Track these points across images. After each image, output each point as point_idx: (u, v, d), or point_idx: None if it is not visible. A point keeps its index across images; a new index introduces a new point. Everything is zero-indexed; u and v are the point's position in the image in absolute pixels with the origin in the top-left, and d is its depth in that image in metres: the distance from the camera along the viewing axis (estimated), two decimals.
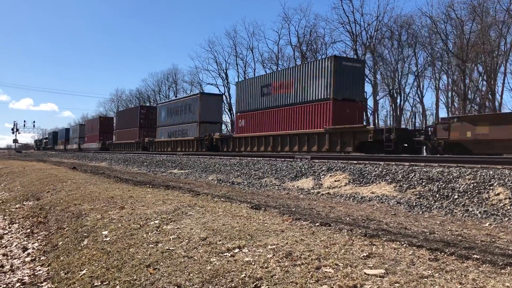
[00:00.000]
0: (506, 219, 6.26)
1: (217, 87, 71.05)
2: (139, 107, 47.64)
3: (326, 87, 21.04)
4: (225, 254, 3.95)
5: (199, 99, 33.31)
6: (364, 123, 28.31)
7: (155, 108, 46.90)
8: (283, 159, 14.72)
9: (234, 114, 36.41)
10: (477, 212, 6.73)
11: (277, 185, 11.39)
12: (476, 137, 14.98)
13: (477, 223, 6.21)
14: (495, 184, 7.36)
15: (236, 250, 4.02)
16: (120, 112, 58.83)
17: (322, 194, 9.64)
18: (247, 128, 27.51)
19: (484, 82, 42.86)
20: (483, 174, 7.85)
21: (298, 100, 22.92)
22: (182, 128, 35.70)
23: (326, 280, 3.17)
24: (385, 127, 19.43)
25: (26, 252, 6.21)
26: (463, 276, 3.19)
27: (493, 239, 4.92)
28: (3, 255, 6.19)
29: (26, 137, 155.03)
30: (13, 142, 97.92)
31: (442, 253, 3.90)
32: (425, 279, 3.10)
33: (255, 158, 16.24)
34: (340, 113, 20.71)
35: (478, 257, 3.80)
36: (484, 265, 3.52)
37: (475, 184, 7.62)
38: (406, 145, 18.06)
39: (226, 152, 27.34)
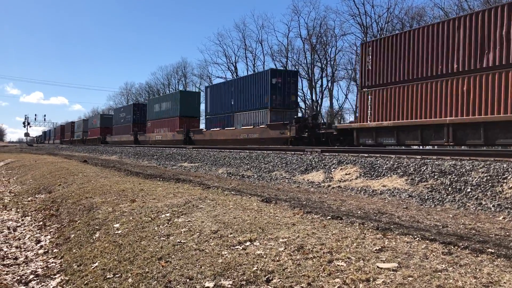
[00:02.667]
0: None
1: (226, 80, 71.07)
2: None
3: None
4: (237, 247, 3.94)
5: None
6: None
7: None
8: (293, 152, 14.68)
9: None
10: (491, 205, 6.66)
11: (287, 178, 11.37)
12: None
13: (490, 216, 6.14)
14: (509, 177, 7.27)
15: (248, 243, 4.01)
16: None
17: (333, 187, 9.61)
18: None
19: None
20: (497, 167, 7.75)
21: None
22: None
23: (338, 273, 3.15)
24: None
25: (39, 245, 6.28)
26: (477, 270, 3.15)
27: (507, 233, 4.85)
28: (17, 247, 6.26)
29: (37, 131, 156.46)
30: (25, 136, 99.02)
31: (456, 247, 3.86)
32: (439, 273, 3.06)
33: (265, 151, 16.22)
34: None
35: (493, 251, 3.75)
36: (498, 259, 3.47)
37: (488, 177, 7.53)
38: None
39: None
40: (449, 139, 14.38)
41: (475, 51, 13.86)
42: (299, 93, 49.14)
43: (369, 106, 17.72)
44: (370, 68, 17.89)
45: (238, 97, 28.14)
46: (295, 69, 33.62)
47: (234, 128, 28.32)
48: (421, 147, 17.59)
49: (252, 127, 26.24)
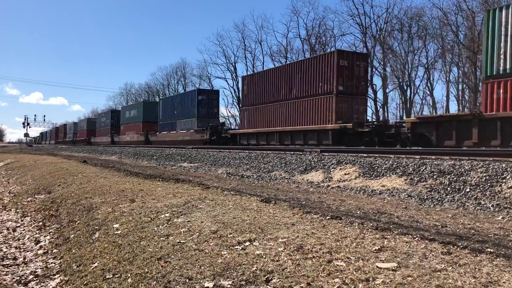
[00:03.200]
0: None
1: (226, 81, 71.24)
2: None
3: None
4: (236, 247, 3.95)
5: None
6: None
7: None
8: (292, 152, 14.68)
9: None
10: (490, 205, 6.66)
11: (286, 178, 11.37)
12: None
13: (489, 216, 6.15)
14: (507, 177, 7.28)
15: (247, 243, 4.01)
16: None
17: (332, 187, 9.61)
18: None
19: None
20: (495, 167, 7.76)
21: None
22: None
23: (338, 273, 3.15)
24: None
25: (38, 245, 6.28)
26: (476, 270, 3.16)
27: (506, 233, 4.86)
28: (16, 247, 6.26)
29: (37, 131, 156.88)
30: (24, 136, 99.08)
31: (455, 247, 3.86)
32: (438, 273, 3.07)
33: (264, 152, 16.22)
34: None
35: (492, 250, 3.76)
36: (498, 259, 3.48)
37: (487, 177, 7.54)
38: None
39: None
40: (276, 140, 24.33)
41: (290, 87, 23.67)
42: None
43: (245, 119, 27.97)
44: (246, 93, 28.41)
45: (178, 109, 38.12)
46: (217, 90, 43.61)
47: (175, 132, 37.61)
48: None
49: (185, 131, 35.54)
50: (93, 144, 57.66)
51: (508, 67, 13.39)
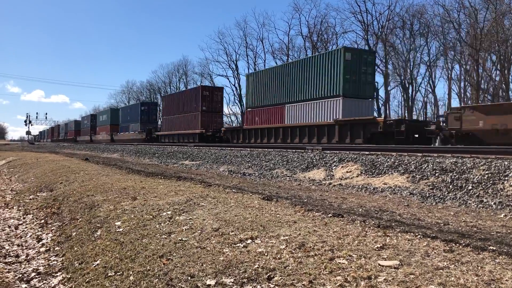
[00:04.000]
0: None
1: (227, 78, 71.38)
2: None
3: None
4: (238, 245, 3.95)
5: None
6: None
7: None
8: (294, 150, 14.67)
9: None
10: (492, 203, 6.65)
11: (288, 176, 11.37)
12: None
13: (492, 214, 6.13)
14: (510, 174, 7.26)
15: (249, 241, 4.01)
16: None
17: (334, 185, 9.60)
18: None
19: (498, 72, 42.21)
20: (498, 164, 7.74)
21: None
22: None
23: (340, 271, 3.14)
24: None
25: (40, 243, 6.29)
26: (479, 267, 3.15)
27: (509, 230, 4.85)
28: (19, 245, 6.27)
29: (39, 129, 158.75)
30: (26, 134, 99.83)
31: (457, 245, 3.85)
32: (441, 271, 3.06)
33: (266, 149, 16.22)
34: None
35: (494, 248, 3.75)
36: (500, 257, 3.47)
37: (490, 174, 7.52)
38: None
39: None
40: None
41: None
42: None
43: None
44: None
45: (129, 115, 52.74)
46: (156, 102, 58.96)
47: (128, 132, 51.49)
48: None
49: (133, 132, 49.19)
50: (78, 142, 70.17)
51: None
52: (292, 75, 25.00)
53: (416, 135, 17.94)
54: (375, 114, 31.01)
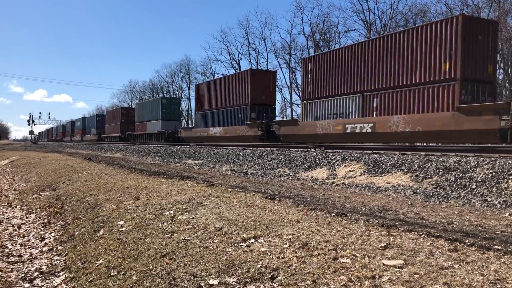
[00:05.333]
0: None
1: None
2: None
3: None
4: (241, 244, 3.93)
5: None
6: None
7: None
8: (296, 149, 14.64)
9: None
10: (496, 202, 6.61)
11: (291, 175, 11.34)
12: None
13: (496, 213, 6.09)
14: None
15: (252, 240, 3.99)
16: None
17: (337, 184, 9.57)
18: None
19: (501, 70, 42.06)
20: (502, 163, 7.70)
21: None
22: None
23: (343, 270, 3.12)
24: None
25: (43, 242, 6.29)
26: (484, 267, 3.12)
27: None
28: (21, 244, 6.28)
29: (42, 129, 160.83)
30: (29, 134, 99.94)
31: (462, 244, 3.83)
32: (445, 270, 3.03)
33: (269, 149, 16.19)
34: None
35: (499, 248, 3.72)
36: (505, 256, 3.44)
37: (494, 173, 7.48)
38: None
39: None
40: None
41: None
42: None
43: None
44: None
45: (87, 124, 73.66)
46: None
47: (90, 135, 68.78)
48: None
49: (91, 135, 67.99)
50: (64, 141, 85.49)
51: None
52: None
53: None
54: None
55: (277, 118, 37.49)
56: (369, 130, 18.57)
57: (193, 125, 37.93)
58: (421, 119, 16.37)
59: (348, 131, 19.66)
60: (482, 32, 16.14)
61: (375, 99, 18.97)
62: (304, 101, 23.55)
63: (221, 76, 56.80)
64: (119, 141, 50.60)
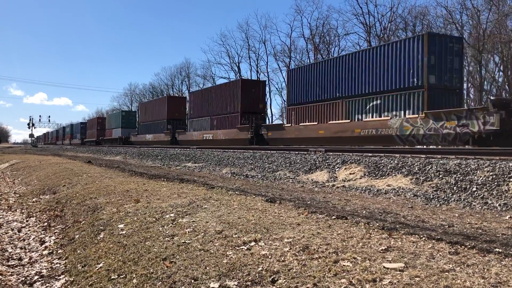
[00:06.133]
0: None
1: (229, 80, 71.43)
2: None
3: None
4: (241, 247, 3.92)
5: None
6: None
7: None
8: (296, 152, 14.64)
9: None
10: (497, 204, 6.60)
11: (291, 178, 11.34)
12: None
13: (496, 216, 6.09)
14: None
15: (252, 244, 3.99)
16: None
17: (337, 187, 9.57)
18: None
19: (501, 73, 42.10)
20: (502, 166, 7.69)
21: None
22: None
23: (344, 273, 3.12)
24: None
25: (43, 245, 6.28)
26: (485, 270, 3.12)
27: None
28: (22, 248, 6.27)
29: (42, 132, 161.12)
30: (29, 137, 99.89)
31: (463, 247, 3.82)
32: (446, 273, 3.03)
33: (269, 151, 16.19)
34: None
35: (500, 250, 3.71)
36: (506, 259, 3.43)
37: (494, 176, 7.47)
38: None
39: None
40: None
41: None
42: None
43: None
44: None
45: (68, 130, 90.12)
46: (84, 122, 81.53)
47: (76, 139, 78.63)
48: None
49: (77, 139, 78.09)
50: (56, 144, 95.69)
51: None
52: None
53: None
54: None
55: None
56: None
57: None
58: None
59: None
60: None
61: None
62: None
63: (220, 78, 56.55)
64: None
